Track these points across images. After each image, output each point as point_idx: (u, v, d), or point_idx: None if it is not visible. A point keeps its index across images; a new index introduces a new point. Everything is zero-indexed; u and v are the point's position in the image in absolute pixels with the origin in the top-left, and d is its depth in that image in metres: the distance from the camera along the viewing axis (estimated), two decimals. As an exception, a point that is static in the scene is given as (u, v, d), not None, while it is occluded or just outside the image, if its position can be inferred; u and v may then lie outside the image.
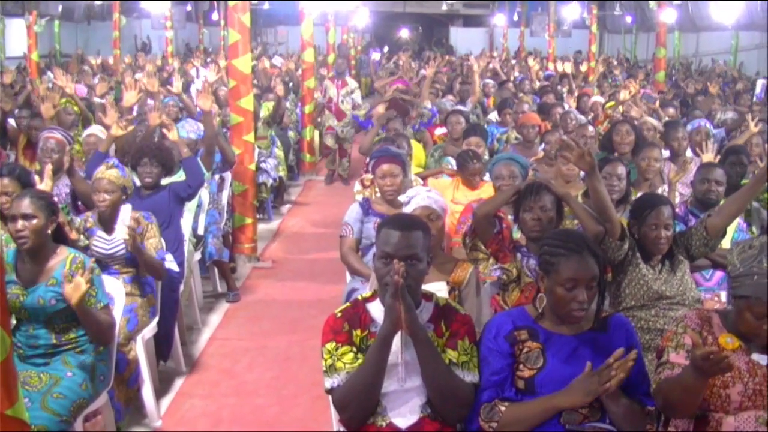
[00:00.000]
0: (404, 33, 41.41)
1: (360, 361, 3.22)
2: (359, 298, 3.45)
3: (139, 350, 5.22)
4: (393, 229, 3.26)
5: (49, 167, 5.83)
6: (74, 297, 4.12)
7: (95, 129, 7.70)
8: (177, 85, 10.15)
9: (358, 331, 3.29)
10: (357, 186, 7.12)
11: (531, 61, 18.03)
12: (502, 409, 3.19)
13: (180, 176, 6.72)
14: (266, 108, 11.15)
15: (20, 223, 4.24)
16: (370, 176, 6.53)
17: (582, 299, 3.19)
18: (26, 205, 4.26)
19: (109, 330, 4.47)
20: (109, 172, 5.38)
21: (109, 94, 11.72)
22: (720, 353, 2.84)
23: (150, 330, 5.45)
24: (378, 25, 38.79)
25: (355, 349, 3.25)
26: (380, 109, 10.49)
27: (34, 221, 4.25)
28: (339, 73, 13.85)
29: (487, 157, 7.65)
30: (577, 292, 3.19)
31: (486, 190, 6.35)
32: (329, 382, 3.25)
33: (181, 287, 6.21)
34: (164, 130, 6.88)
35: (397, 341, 3.20)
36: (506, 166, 5.73)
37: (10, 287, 4.27)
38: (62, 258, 4.37)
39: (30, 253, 4.34)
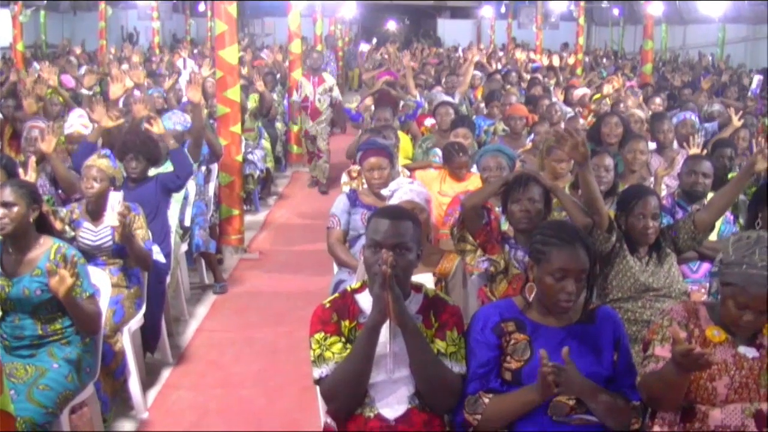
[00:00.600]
0: (391, 25, 41.04)
1: (349, 351, 3.21)
2: (348, 289, 3.44)
3: (126, 342, 5.20)
4: (383, 218, 3.25)
5: (33, 159, 5.81)
6: (60, 290, 4.09)
7: (75, 119, 7.65)
8: (168, 82, 10.10)
9: (347, 322, 3.28)
10: (344, 177, 7.11)
11: (518, 53, 18.04)
12: (486, 401, 3.20)
13: (167, 167, 6.68)
14: (253, 100, 11.12)
15: (1, 211, 4.22)
16: (357, 168, 6.52)
17: (570, 290, 3.19)
18: (7, 193, 4.24)
19: (96, 320, 4.44)
20: (100, 161, 5.37)
21: (96, 85, 11.66)
22: (700, 350, 2.84)
23: (136, 321, 5.43)
24: (366, 17, 38.69)
25: (343, 340, 3.24)
26: (368, 101, 10.49)
27: (15, 209, 4.23)
28: (314, 69, 12.43)
29: (476, 148, 7.65)
30: (566, 283, 3.19)
31: (473, 182, 6.36)
32: (317, 372, 3.24)
33: (168, 278, 6.17)
34: (147, 125, 6.81)
35: (385, 332, 3.19)
36: (493, 157, 5.74)
37: None
38: (46, 248, 4.34)
39: (12, 242, 4.32)
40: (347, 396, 3.23)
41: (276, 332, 6.74)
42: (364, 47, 26.09)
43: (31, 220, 4.33)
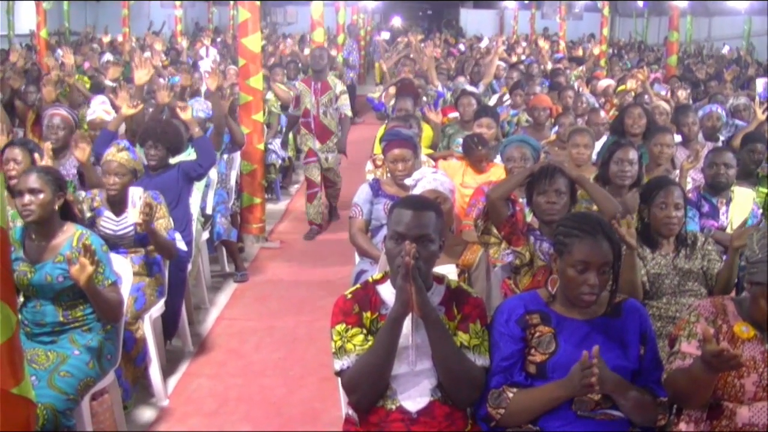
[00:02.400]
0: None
1: (370, 343, 3.19)
2: (369, 279, 3.41)
3: (147, 329, 5.20)
4: (405, 209, 3.22)
5: (48, 146, 5.82)
6: (81, 278, 4.09)
7: (98, 106, 7.64)
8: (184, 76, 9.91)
9: (368, 314, 3.25)
10: (369, 165, 7.08)
11: (541, 42, 17.91)
12: (510, 395, 3.17)
13: (189, 155, 6.68)
14: (273, 96, 11.10)
15: (27, 198, 4.22)
16: (381, 156, 6.48)
17: (593, 283, 3.15)
18: (33, 179, 4.24)
19: (117, 308, 4.44)
20: (120, 155, 5.31)
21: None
22: (731, 351, 2.79)
23: (157, 309, 5.43)
24: (388, 6, 38.45)
25: (365, 331, 3.22)
26: (392, 91, 10.43)
27: (41, 196, 4.22)
28: (316, 72, 9.19)
29: (500, 138, 7.60)
30: (588, 275, 3.15)
31: (495, 173, 6.31)
32: (339, 364, 3.22)
33: (189, 267, 6.18)
34: (178, 109, 6.78)
35: (407, 323, 3.16)
36: (518, 148, 5.69)
37: (17, 264, 4.25)
38: (69, 235, 4.34)
39: (36, 228, 4.32)
40: (369, 388, 3.20)
41: (296, 321, 6.73)
42: (385, 35, 25.94)
43: (56, 207, 4.33)
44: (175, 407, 5.29)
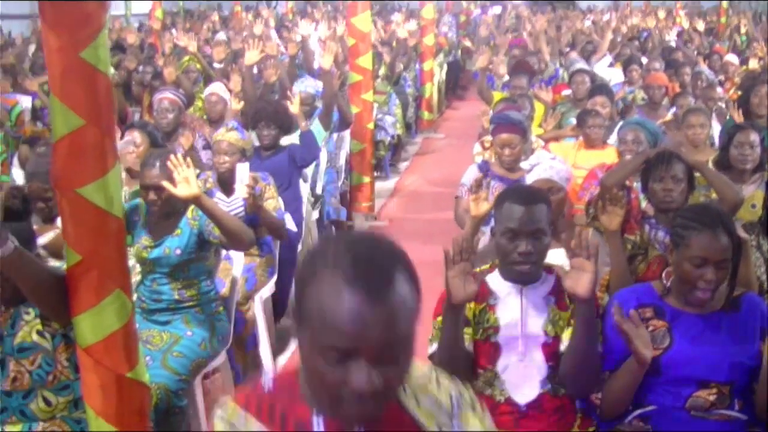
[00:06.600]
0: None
1: (463, 332, 3.16)
2: (477, 270, 3.35)
3: (257, 309, 5.27)
4: (516, 204, 3.15)
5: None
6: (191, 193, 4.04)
7: (216, 87, 7.77)
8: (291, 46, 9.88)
9: (473, 304, 3.20)
10: (477, 147, 6.98)
11: (660, 13, 17.31)
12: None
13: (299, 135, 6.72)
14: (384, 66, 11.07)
15: (152, 195, 4.27)
16: (489, 138, 6.39)
17: (710, 279, 3.01)
18: (156, 176, 4.24)
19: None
20: (228, 135, 5.39)
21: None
22: None
23: (268, 289, 5.51)
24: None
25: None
26: (501, 70, 10.22)
27: (165, 192, 4.27)
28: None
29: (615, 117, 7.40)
30: (705, 271, 3.02)
31: (609, 154, 6.13)
32: (431, 349, 3.22)
33: (300, 247, 6.23)
34: (288, 102, 6.77)
35: (517, 313, 3.14)
36: (632, 130, 5.52)
37: (140, 237, 4.36)
38: (188, 208, 4.41)
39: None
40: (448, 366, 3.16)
41: (404, 302, 6.70)
42: (497, 9, 25.29)
43: None
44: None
